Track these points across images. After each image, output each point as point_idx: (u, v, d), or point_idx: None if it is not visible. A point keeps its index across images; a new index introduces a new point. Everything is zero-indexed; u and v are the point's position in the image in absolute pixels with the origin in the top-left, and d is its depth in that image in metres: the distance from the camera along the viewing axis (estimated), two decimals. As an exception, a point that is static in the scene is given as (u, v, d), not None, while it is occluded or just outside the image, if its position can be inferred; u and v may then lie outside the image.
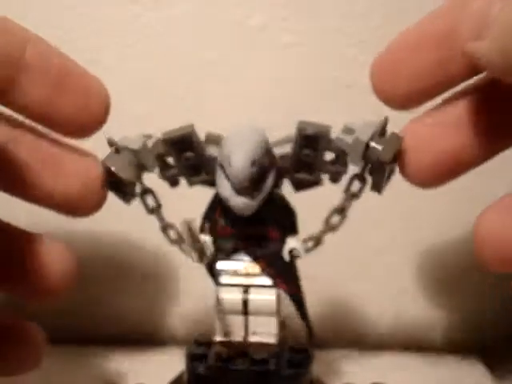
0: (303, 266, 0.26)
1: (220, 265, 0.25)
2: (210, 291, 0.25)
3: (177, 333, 0.38)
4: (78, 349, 0.35)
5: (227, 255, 0.25)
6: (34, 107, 0.22)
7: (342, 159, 0.24)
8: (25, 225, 0.24)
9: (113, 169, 0.24)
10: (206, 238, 0.25)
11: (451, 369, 0.34)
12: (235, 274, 0.25)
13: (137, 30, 0.35)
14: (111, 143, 0.25)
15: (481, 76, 0.22)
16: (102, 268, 0.37)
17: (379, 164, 0.23)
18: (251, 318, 0.25)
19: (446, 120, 0.22)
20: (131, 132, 0.26)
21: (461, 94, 0.22)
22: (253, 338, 0.25)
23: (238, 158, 0.22)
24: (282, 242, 0.25)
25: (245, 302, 0.25)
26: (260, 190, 0.23)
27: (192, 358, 0.24)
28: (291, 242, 0.25)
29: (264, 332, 0.24)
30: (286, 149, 0.24)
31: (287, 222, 0.25)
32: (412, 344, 0.37)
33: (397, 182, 0.24)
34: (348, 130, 0.24)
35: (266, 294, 0.25)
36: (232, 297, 0.25)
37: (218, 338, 0.25)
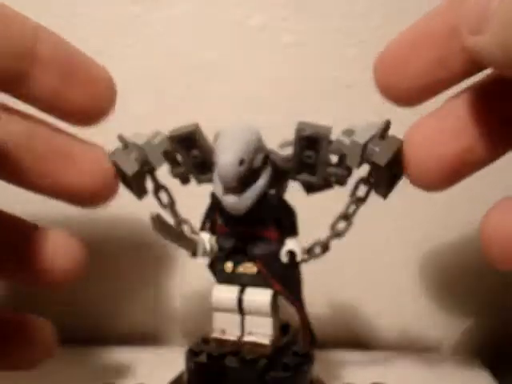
0: (303, 266, 0.26)
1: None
2: (210, 290, 0.25)
3: (177, 332, 0.38)
4: (77, 349, 0.35)
5: (226, 254, 0.25)
6: (43, 98, 0.23)
7: (344, 161, 0.24)
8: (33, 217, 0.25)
9: (117, 163, 0.25)
10: (204, 236, 0.25)
11: (451, 369, 0.34)
12: (234, 273, 0.25)
13: (137, 30, 0.35)
14: (121, 139, 0.26)
15: (482, 76, 0.22)
16: (102, 268, 0.37)
17: (376, 167, 0.23)
18: (248, 318, 0.25)
19: (450, 122, 0.22)
20: (131, 132, 0.27)
21: (463, 95, 0.22)
22: (248, 338, 0.25)
23: (226, 156, 0.22)
24: (281, 242, 0.25)
25: (240, 302, 0.25)
26: (251, 190, 0.23)
27: (189, 354, 0.25)
28: (290, 244, 0.25)
29: (259, 332, 0.24)
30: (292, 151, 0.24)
31: (287, 222, 0.25)
32: (412, 344, 0.37)
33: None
34: (348, 132, 0.24)
35: (260, 295, 0.25)
36: (227, 295, 0.25)
37: (214, 336, 0.25)
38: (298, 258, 0.25)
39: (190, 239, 0.25)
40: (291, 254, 0.25)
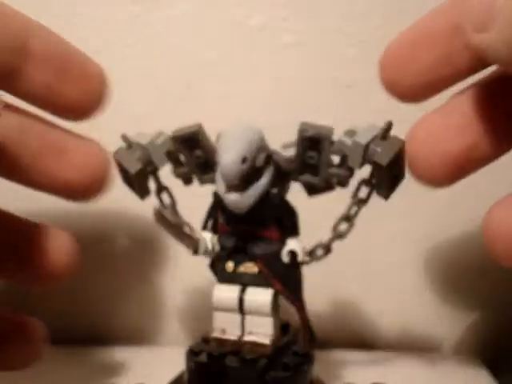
0: (305, 266, 0.26)
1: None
2: (207, 288, 0.25)
3: (178, 332, 0.38)
4: (77, 349, 0.35)
5: (228, 254, 0.25)
6: (36, 93, 0.23)
7: (346, 162, 0.24)
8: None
9: (120, 162, 0.25)
10: (206, 235, 0.25)
11: (451, 369, 0.34)
12: (235, 272, 0.25)
13: (137, 30, 0.35)
14: (124, 139, 0.26)
15: (487, 73, 0.22)
16: (100, 267, 0.37)
17: (378, 167, 0.23)
18: (248, 318, 0.25)
19: (454, 118, 0.22)
20: (131, 132, 0.27)
21: (468, 92, 0.22)
22: (248, 338, 0.25)
23: (229, 154, 0.22)
24: (282, 242, 0.25)
25: (241, 301, 0.25)
26: (253, 188, 0.23)
27: (189, 354, 0.25)
28: (291, 244, 0.25)
29: (260, 332, 0.24)
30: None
31: (288, 222, 0.25)
32: (412, 344, 0.37)
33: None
34: (350, 133, 0.24)
35: (261, 295, 0.25)
36: (228, 295, 0.25)
37: (215, 335, 0.25)
38: (299, 258, 0.25)
39: (192, 237, 0.25)
40: (292, 254, 0.25)
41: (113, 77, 0.35)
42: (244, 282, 0.25)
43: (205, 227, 0.26)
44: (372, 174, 0.24)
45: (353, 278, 0.36)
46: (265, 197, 0.24)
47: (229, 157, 0.22)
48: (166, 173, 0.27)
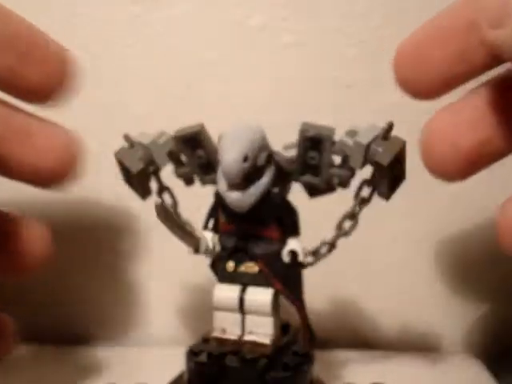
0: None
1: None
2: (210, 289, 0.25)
3: (178, 332, 0.38)
4: (77, 349, 0.35)
5: (229, 254, 0.25)
6: None
7: (347, 162, 0.24)
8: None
9: (122, 161, 0.26)
10: (207, 235, 0.26)
11: (451, 369, 0.34)
12: (235, 272, 0.25)
13: (137, 30, 0.35)
14: (127, 139, 0.26)
15: (501, 69, 0.22)
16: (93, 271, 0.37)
17: (379, 167, 0.23)
18: (248, 317, 0.25)
19: (468, 113, 0.22)
20: (131, 132, 0.27)
21: (482, 88, 0.22)
22: (248, 337, 0.25)
23: (230, 153, 0.22)
24: (283, 242, 0.25)
25: (241, 301, 0.25)
26: (255, 187, 0.23)
27: (189, 354, 0.25)
28: (292, 243, 0.25)
29: (260, 332, 0.25)
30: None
31: (289, 222, 0.25)
32: (412, 343, 0.37)
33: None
34: (351, 133, 0.24)
35: (261, 294, 0.25)
36: (229, 295, 0.25)
37: (215, 335, 0.25)
38: (300, 257, 0.25)
39: (193, 235, 0.25)
40: (293, 253, 0.25)
41: (113, 77, 0.35)
42: (244, 281, 0.25)
43: (206, 227, 0.26)
44: (373, 175, 0.24)
45: (353, 278, 0.36)
46: (266, 196, 0.24)
47: (230, 155, 0.22)
48: (168, 173, 0.27)
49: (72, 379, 0.31)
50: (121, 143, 0.27)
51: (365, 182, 0.25)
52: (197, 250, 0.25)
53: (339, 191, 0.25)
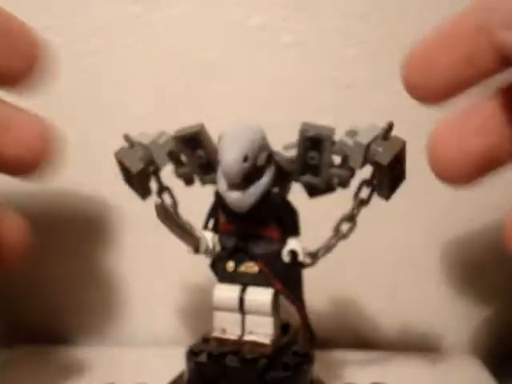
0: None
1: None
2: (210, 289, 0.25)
3: (178, 332, 0.38)
4: (78, 348, 0.35)
5: (229, 254, 0.25)
6: None
7: (347, 162, 0.24)
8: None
9: (122, 161, 0.26)
10: (207, 235, 0.26)
11: (451, 369, 0.34)
12: (235, 272, 0.25)
13: (137, 30, 0.35)
14: (127, 138, 0.26)
15: (509, 74, 0.22)
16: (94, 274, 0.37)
17: (379, 167, 0.23)
18: (248, 317, 0.25)
19: (476, 119, 0.22)
20: (131, 132, 0.27)
21: (490, 93, 0.22)
22: (248, 337, 0.25)
23: (230, 153, 0.22)
24: (283, 242, 0.25)
25: (241, 301, 0.25)
26: (255, 187, 0.23)
27: (189, 354, 0.25)
28: (292, 243, 0.25)
29: (260, 332, 0.25)
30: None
31: (289, 221, 0.25)
32: (412, 344, 0.37)
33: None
34: (351, 133, 0.24)
35: (261, 294, 0.25)
36: (229, 295, 0.25)
37: (215, 335, 0.25)
38: (300, 257, 0.25)
39: (193, 235, 0.25)
40: (293, 253, 0.25)
41: (113, 77, 0.35)
42: (244, 281, 0.25)
43: (206, 227, 0.26)
44: (373, 175, 0.24)
45: (353, 278, 0.37)
46: (266, 196, 0.24)
47: (230, 155, 0.22)
48: (168, 173, 0.27)
49: (72, 379, 0.31)
50: (121, 143, 0.27)
51: (364, 183, 0.25)
52: (197, 250, 0.25)
53: (339, 191, 0.25)
